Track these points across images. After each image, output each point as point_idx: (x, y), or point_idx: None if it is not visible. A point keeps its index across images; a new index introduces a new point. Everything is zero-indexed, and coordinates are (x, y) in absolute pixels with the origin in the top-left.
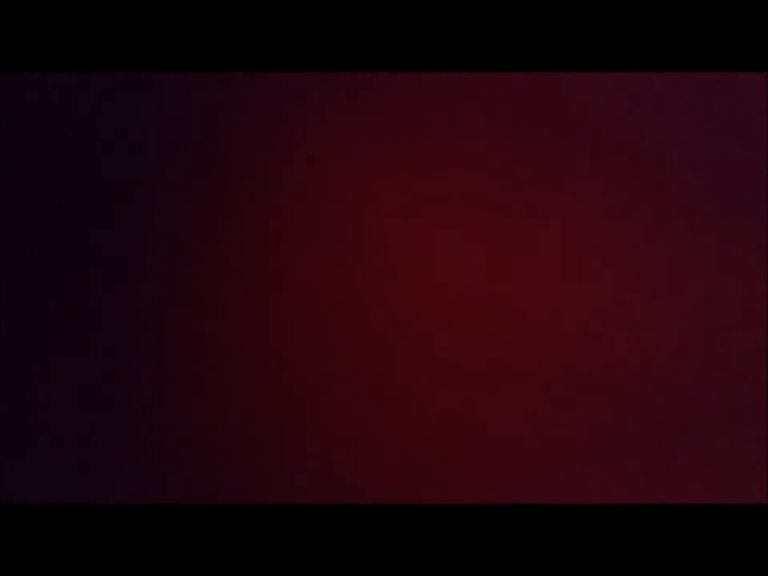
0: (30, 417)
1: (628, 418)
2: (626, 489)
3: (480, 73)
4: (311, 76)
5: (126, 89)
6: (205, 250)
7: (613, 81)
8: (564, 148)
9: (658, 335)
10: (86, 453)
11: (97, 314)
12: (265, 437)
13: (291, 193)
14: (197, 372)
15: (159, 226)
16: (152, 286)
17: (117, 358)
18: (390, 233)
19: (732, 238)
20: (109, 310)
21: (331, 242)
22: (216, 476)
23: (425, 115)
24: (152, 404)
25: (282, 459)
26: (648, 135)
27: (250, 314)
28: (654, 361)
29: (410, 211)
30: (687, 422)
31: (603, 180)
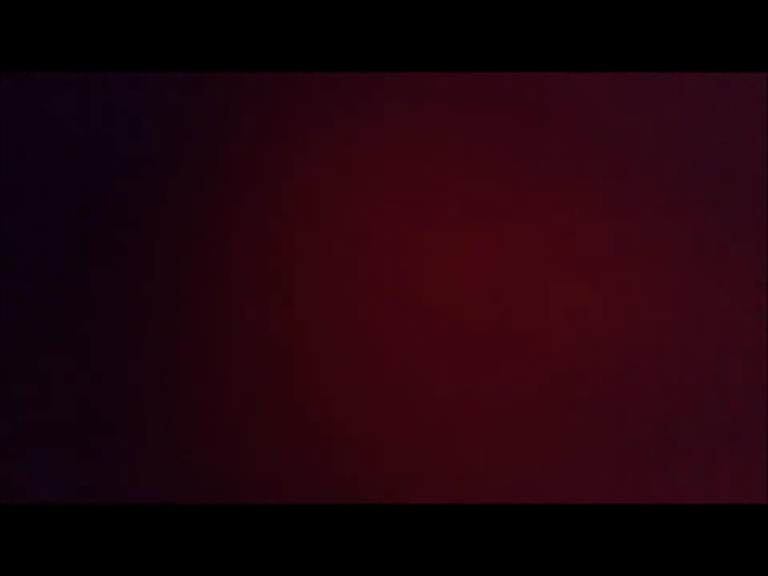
0: (29, 417)
1: (628, 418)
2: (626, 489)
3: (480, 73)
4: (311, 76)
5: (127, 89)
6: (205, 250)
7: (613, 81)
8: (565, 148)
9: (658, 335)
10: (86, 453)
11: (97, 314)
12: (265, 437)
13: (291, 192)
14: (197, 372)
15: (159, 225)
16: (152, 286)
17: (117, 358)
18: (391, 232)
19: (732, 238)
20: (109, 309)
21: (332, 242)
22: (216, 476)
23: (425, 115)
24: (152, 404)
25: (282, 459)
26: (648, 135)
27: (252, 313)
28: (653, 361)
29: (411, 210)
30: (687, 422)
31: (603, 180)
